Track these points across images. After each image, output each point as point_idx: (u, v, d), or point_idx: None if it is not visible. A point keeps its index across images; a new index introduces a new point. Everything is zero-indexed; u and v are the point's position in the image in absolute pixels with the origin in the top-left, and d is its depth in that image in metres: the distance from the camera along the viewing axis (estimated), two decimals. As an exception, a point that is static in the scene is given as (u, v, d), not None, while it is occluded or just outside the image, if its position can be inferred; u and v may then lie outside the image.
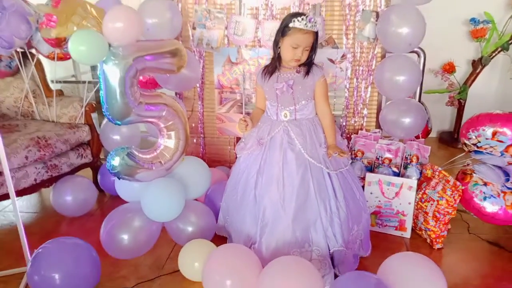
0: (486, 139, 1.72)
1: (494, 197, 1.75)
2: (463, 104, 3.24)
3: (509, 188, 1.75)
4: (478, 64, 3.14)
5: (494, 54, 3.09)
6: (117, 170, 1.69)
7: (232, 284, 1.42)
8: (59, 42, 2.05)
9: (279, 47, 1.67)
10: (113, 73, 1.53)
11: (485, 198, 1.77)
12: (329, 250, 1.66)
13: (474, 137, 1.76)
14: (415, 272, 1.39)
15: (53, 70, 2.46)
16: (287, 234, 1.63)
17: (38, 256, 1.50)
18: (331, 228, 1.66)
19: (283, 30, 1.63)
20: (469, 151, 1.87)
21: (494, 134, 1.69)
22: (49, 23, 1.94)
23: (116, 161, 1.68)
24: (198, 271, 1.57)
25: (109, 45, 1.51)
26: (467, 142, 1.82)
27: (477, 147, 1.78)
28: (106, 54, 1.50)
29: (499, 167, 1.82)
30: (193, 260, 1.59)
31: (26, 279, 1.66)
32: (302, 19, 1.58)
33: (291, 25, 1.59)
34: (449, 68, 3.19)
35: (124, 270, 1.77)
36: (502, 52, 3.07)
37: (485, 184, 1.78)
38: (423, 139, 2.27)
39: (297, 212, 1.64)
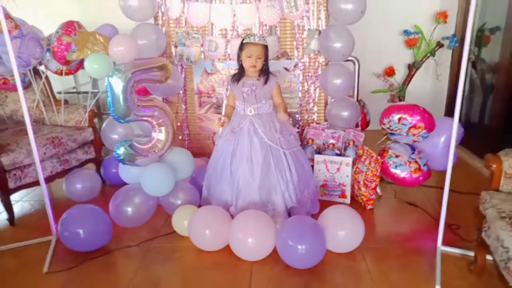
0: (395, 123, 2.34)
1: (403, 165, 2.36)
2: (402, 101, 3.88)
3: (413, 159, 2.36)
4: (412, 68, 3.80)
5: (424, 59, 3.74)
6: (122, 157, 2.23)
7: (210, 232, 1.98)
8: (68, 62, 2.57)
9: (241, 60, 2.26)
10: (117, 84, 2.07)
11: (396, 167, 2.38)
12: (286, 208, 2.23)
13: (387, 123, 2.37)
14: (341, 216, 1.99)
15: (56, 84, 2.96)
16: (255, 197, 2.21)
17: (66, 219, 2.03)
18: (287, 191, 2.24)
19: (240, 46, 2.24)
20: (387, 134, 2.48)
21: (399, 119, 2.31)
22: (60, 47, 2.46)
23: (121, 150, 2.21)
24: (186, 227, 2.11)
25: (114, 63, 2.06)
26: (383, 127, 2.44)
27: (390, 130, 2.40)
28: (112, 70, 2.05)
29: (409, 144, 2.43)
30: (183, 219, 2.14)
31: (53, 245, 2.17)
32: (252, 35, 2.21)
33: (244, 41, 2.21)
34: (389, 72, 3.83)
35: (129, 234, 2.28)
36: (430, 57, 3.74)
37: (397, 156, 2.39)
38: (359, 128, 2.88)
39: (262, 181, 2.22)
